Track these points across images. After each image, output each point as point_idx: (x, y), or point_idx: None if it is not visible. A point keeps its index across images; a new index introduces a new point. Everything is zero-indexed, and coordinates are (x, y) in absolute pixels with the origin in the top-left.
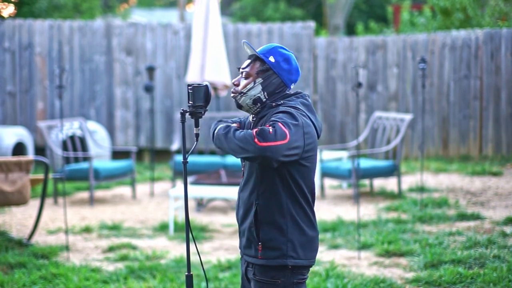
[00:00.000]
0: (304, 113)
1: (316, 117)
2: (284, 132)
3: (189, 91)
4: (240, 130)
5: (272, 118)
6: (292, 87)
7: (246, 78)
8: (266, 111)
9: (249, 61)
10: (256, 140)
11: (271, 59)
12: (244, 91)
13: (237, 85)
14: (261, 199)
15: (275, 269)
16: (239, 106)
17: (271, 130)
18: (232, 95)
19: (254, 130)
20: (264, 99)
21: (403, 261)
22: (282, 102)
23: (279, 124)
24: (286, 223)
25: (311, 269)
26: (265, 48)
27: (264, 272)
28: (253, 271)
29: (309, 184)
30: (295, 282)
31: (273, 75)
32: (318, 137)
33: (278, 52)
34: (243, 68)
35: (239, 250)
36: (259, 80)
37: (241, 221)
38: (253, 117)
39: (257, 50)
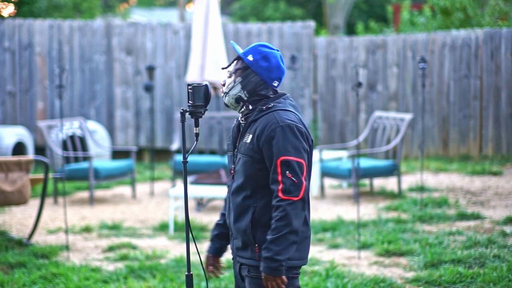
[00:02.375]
0: (295, 113)
1: (302, 115)
2: (302, 169)
3: (189, 90)
4: (280, 222)
5: (278, 148)
6: (275, 84)
7: (229, 77)
8: (257, 115)
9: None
10: (292, 198)
11: (250, 57)
12: (226, 91)
13: (224, 84)
14: (259, 203)
15: None
16: (227, 106)
17: (292, 180)
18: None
19: (285, 197)
20: (245, 98)
21: (403, 260)
22: (272, 104)
23: (291, 160)
24: None
25: (311, 268)
26: (248, 47)
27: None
28: (247, 269)
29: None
30: (290, 277)
31: (251, 73)
32: None
33: (257, 50)
34: (225, 68)
35: (231, 251)
36: (239, 79)
37: (233, 224)
38: (242, 119)
39: (243, 50)
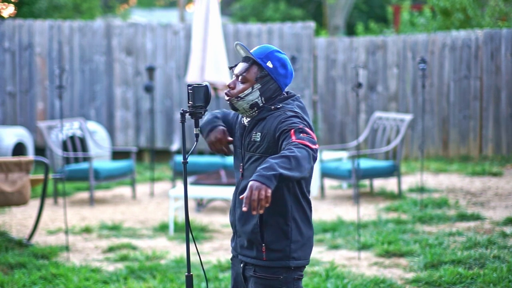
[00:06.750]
0: (301, 115)
1: (309, 118)
2: (312, 134)
3: (189, 91)
4: (290, 150)
5: (291, 124)
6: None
7: (243, 82)
8: (264, 114)
9: (245, 64)
10: (311, 146)
11: (269, 64)
12: (242, 96)
13: (233, 88)
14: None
15: (277, 267)
16: (235, 109)
17: (307, 136)
18: (226, 98)
19: (299, 141)
20: (261, 104)
21: (403, 261)
22: (280, 105)
23: (305, 128)
24: (290, 225)
25: (311, 269)
26: (261, 51)
27: (266, 269)
28: (253, 269)
29: (308, 183)
30: (295, 278)
31: (270, 80)
32: None
33: (275, 57)
34: (240, 73)
35: (231, 249)
36: (257, 86)
37: (239, 223)
38: (248, 121)
39: (251, 52)
